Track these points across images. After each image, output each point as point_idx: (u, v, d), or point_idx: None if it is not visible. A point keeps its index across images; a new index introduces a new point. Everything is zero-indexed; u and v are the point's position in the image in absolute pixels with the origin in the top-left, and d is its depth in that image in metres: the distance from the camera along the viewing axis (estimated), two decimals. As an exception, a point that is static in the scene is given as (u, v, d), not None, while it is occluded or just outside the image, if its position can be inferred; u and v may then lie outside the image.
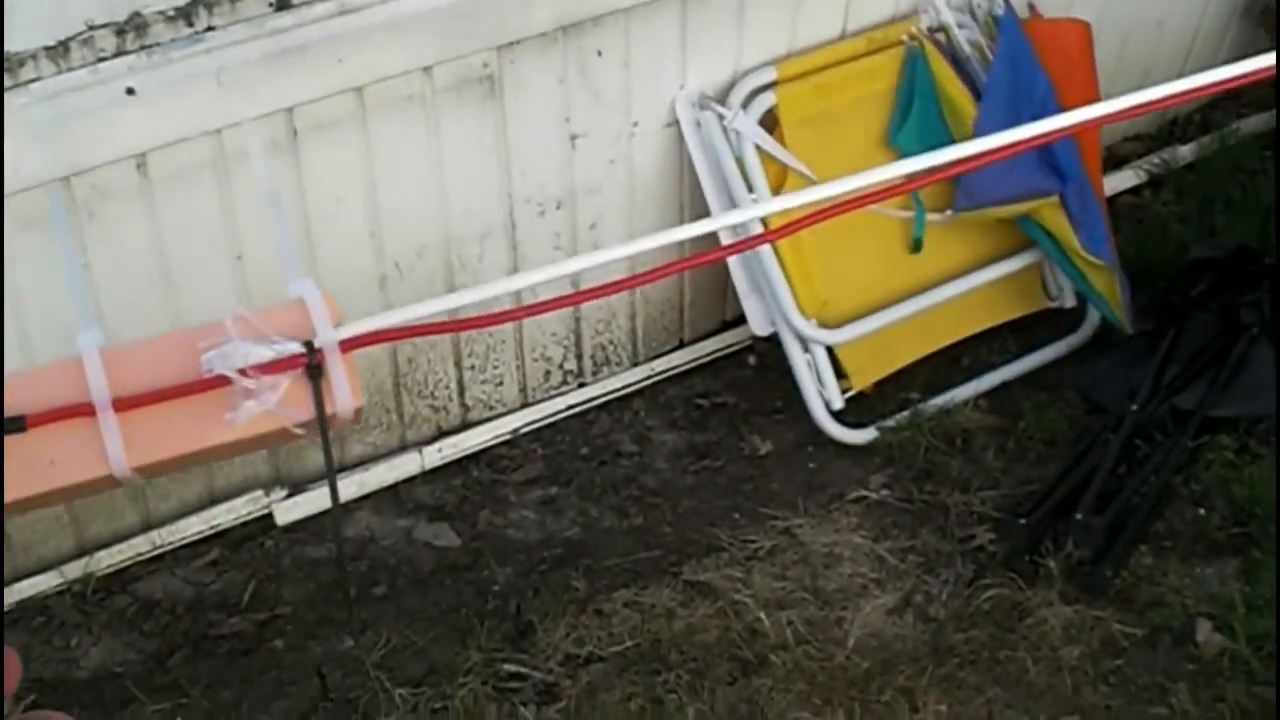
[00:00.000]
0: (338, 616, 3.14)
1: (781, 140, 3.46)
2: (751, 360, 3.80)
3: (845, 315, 3.54)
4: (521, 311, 0.98)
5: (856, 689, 2.94)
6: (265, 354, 0.70)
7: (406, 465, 3.45)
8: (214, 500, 3.32)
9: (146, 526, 3.29)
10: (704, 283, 3.73)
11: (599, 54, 3.27)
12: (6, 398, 0.66)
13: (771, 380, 3.71)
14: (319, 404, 0.72)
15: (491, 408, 3.59)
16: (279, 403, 0.70)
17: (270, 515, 3.32)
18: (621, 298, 3.62)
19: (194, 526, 3.29)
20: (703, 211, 3.50)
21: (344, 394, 0.71)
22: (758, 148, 3.43)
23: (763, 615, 3.09)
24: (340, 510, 3.33)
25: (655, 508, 3.40)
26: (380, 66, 2.99)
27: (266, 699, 2.98)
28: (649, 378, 3.72)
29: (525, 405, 3.63)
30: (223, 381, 0.69)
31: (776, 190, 3.44)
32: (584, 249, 3.48)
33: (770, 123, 3.46)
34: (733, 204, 3.44)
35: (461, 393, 3.52)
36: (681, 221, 3.58)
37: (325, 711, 2.95)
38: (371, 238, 3.18)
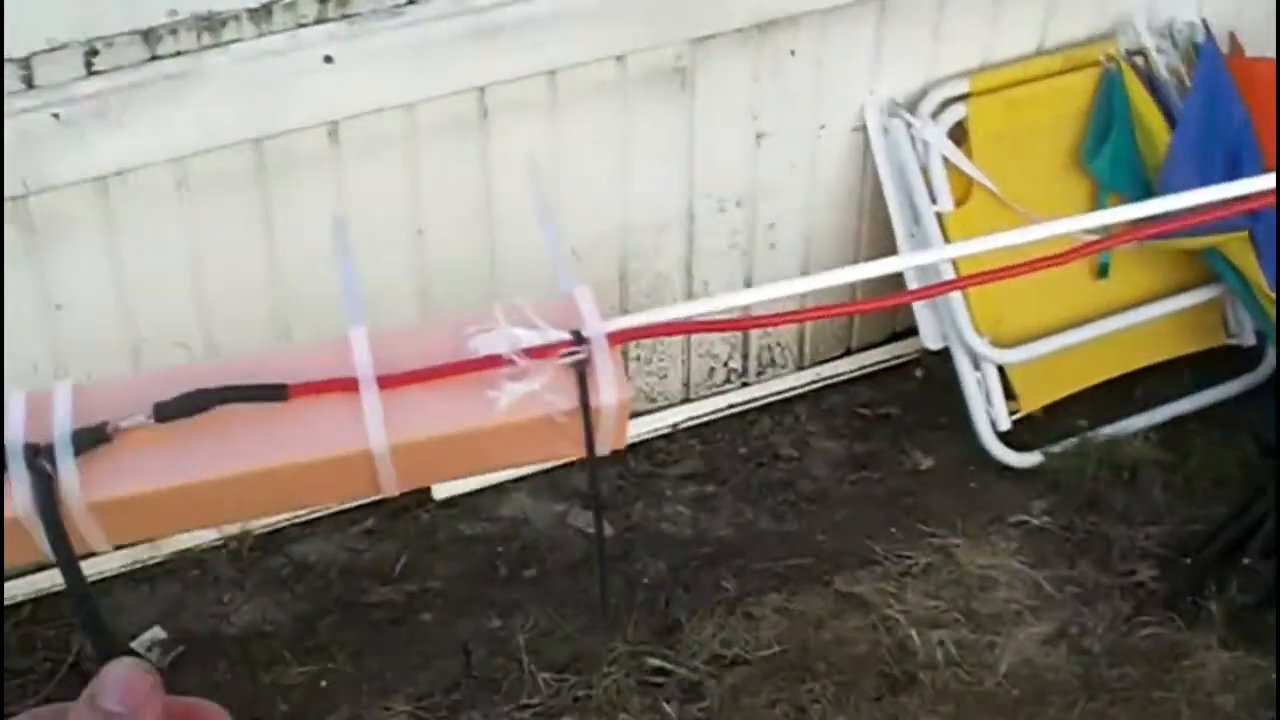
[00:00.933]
0: (487, 595, 3.16)
1: (969, 154, 3.41)
2: (918, 373, 3.75)
3: (1020, 335, 3.48)
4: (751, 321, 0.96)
5: (1004, 717, 2.90)
6: (533, 339, 0.69)
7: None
8: (374, 469, 3.34)
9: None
10: (877, 290, 3.68)
11: (792, 53, 3.24)
12: (266, 369, 0.65)
13: (938, 395, 3.66)
14: (583, 392, 0.70)
15: (653, 400, 3.58)
16: (544, 387, 0.69)
17: (428, 489, 3.34)
18: (792, 300, 3.58)
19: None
20: (882, 219, 3.46)
21: (609, 386, 0.70)
22: (944, 159, 3.38)
23: (914, 633, 3.05)
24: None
25: (811, 514, 3.38)
26: (575, 52, 2.99)
27: (411, 670, 3.00)
28: (813, 383, 3.69)
29: (687, 400, 3.62)
30: (489, 363, 0.68)
31: (960, 204, 3.39)
32: (760, 249, 3.45)
33: (959, 135, 3.41)
34: (915, 215, 3.39)
35: (625, 382, 3.52)
36: (859, 228, 3.55)
37: (468, 688, 2.97)
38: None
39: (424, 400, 0.69)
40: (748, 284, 3.49)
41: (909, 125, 3.38)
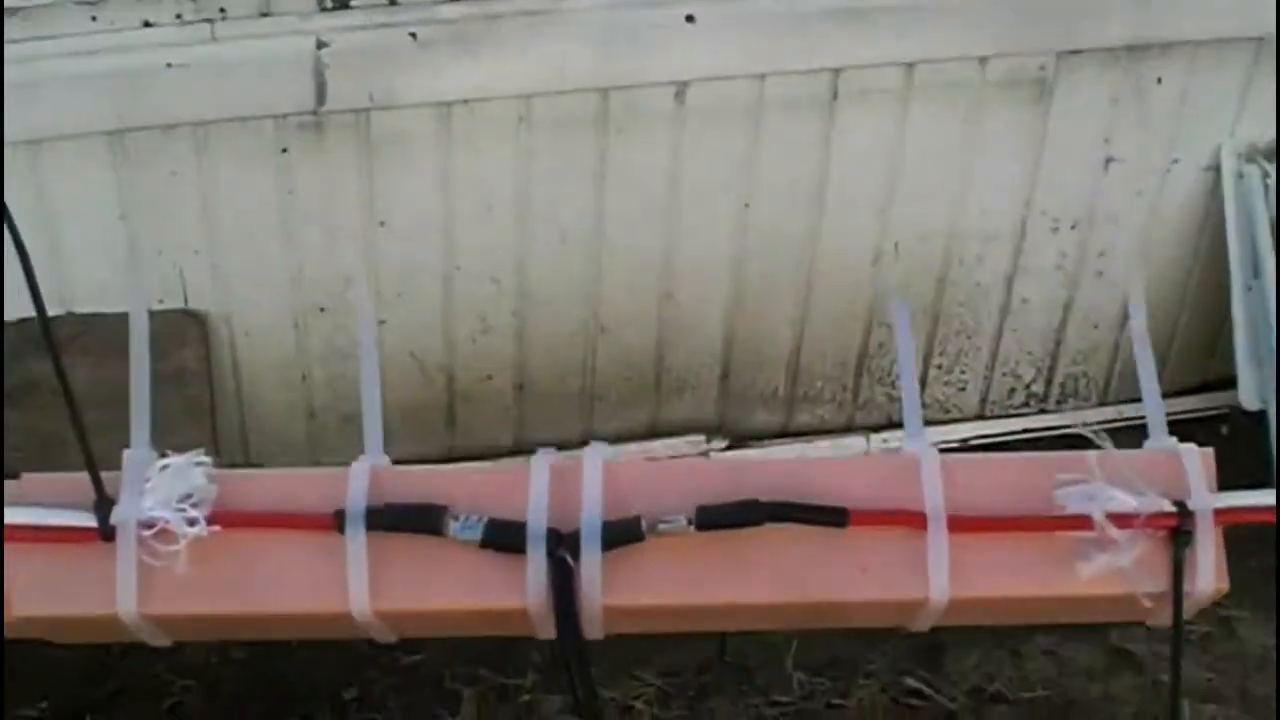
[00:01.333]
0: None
1: (1322, 212, 3.22)
2: (1224, 430, 3.57)
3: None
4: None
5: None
6: (1130, 503, 0.60)
7: (850, 447, 3.36)
8: (655, 432, 3.30)
9: (584, 440, 3.29)
10: (1197, 335, 3.51)
11: (1159, 81, 3.08)
12: (811, 481, 0.58)
13: (1240, 457, 3.42)
14: (1178, 575, 0.61)
15: (947, 410, 3.47)
16: (1133, 562, 0.60)
17: (707, 461, 3.29)
18: (1108, 334, 3.44)
19: (628, 453, 3.28)
20: (1218, 266, 3.29)
21: (1208, 572, 0.61)
22: (1298, 213, 3.20)
23: (1185, 704, 2.90)
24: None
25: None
26: (939, 47, 2.90)
27: (666, 646, 2.95)
28: (1113, 420, 3.52)
29: (980, 417, 3.50)
30: (1075, 523, 0.59)
31: (1308, 263, 3.20)
32: (1087, 276, 3.31)
33: (1316, 191, 3.22)
34: (1255, 268, 3.21)
35: (921, 388, 3.41)
36: (1192, 271, 3.38)
37: (719, 672, 2.91)
38: (880, 214, 3.09)
39: (993, 551, 0.61)
40: (1066, 309, 3.35)
41: (1265, 174, 3.20)
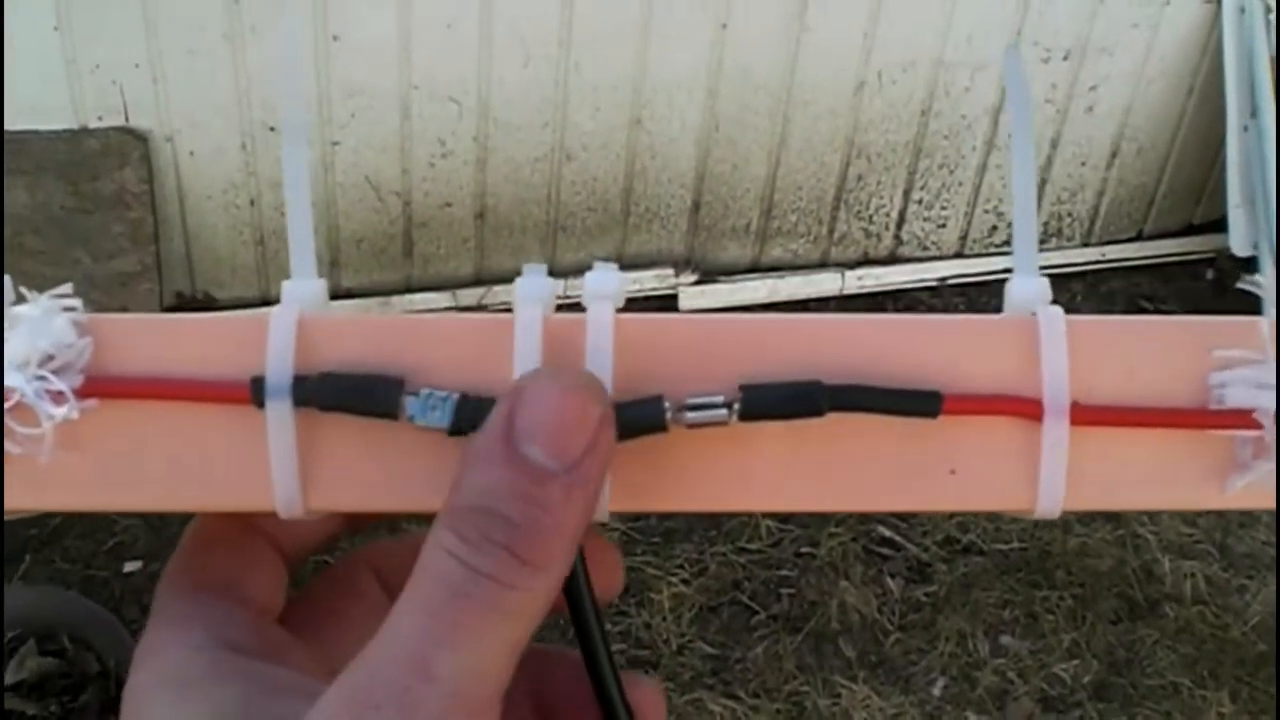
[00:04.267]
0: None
1: (1327, 53, 3.07)
2: (1210, 274, 3.46)
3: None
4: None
5: (1246, 671, 2.67)
6: None
7: (824, 284, 3.23)
8: (621, 265, 3.14)
9: (548, 273, 3.14)
10: (1188, 174, 3.38)
11: (1162, -98, 2.92)
12: (850, 345, 0.43)
13: (1226, 303, 3.35)
14: None
15: (925, 248, 3.33)
16: None
17: (675, 296, 3.14)
18: (1095, 171, 3.30)
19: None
20: (1212, 104, 3.15)
21: None
22: (1300, 52, 3.05)
23: (1163, 559, 2.82)
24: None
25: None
26: None
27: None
28: (1096, 262, 3.41)
29: (960, 255, 3.37)
30: (1240, 420, 0.44)
31: (1306, 103, 3.06)
32: (1076, 111, 3.16)
33: (1320, 30, 3.07)
34: (1253, 108, 3.07)
35: (900, 224, 3.27)
36: (1185, 109, 3.23)
37: (686, 517, 2.80)
38: (864, 38, 2.92)
39: (1123, 451, 0.47)
40: (1053, 145, 3.20)
41: (1268, 9, 3.05)
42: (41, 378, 0.45)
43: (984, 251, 3.36)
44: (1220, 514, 2.92)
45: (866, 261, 3.28)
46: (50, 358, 0.46)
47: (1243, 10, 3.07)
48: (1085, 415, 0.46)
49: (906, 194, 3.22)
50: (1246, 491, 0.46)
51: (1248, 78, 3.08)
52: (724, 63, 2.88)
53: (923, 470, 0.46)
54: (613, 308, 0.47)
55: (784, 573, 2.72)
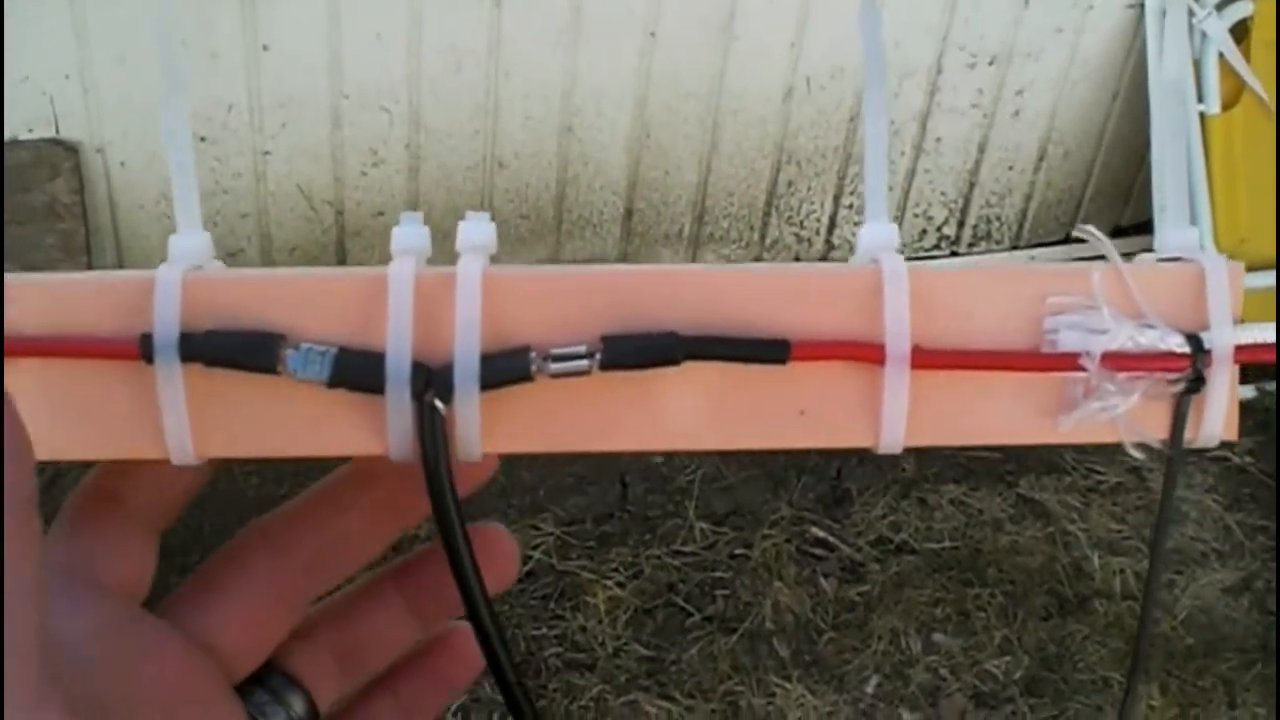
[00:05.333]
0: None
1: (1246, 57, 3.11)
2: (1137, 276, 3.49)
3: (1261, 260, 3.21)
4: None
5: (1175, 664, 2.70)
6: (1135, 340, 0.46)
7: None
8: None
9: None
10: (1114, 176, 3.42)
11: (1082, -89, 2.96)
12: (728, 302, 0.46)
13: (1153, 303, 3.40)
14: (1178, 428, 0.49)
15: (854, 251, 3.36)
16: (1127, 412, 0.48)
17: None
18: (1023, 175, 3.33)
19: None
20: (1137, 108, 3.19)
21: (1216, 421, 0.48)
22: (1221, 56, 3.09)
23: (1093, 555, 2.85)
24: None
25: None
26: None
27: (565, 492, 2.85)
28: (1025, 265, 3.45)
29: (891, 259, 3.39)
30: (1070, 363, 0.47)
31: (1227, 108, 3.10)
32: (1003, 115, 3.19)
33: (1240, 34, 3.11)
34: (1180, 108, 3.11)
35: (831, 229, 3.30)
36: (1111, 112, 3.27)
37: (621, 522, 2.82)
38: (791, 48, 2.95)
39: (959, 392, 0.49)
40: (981, 149, 3.24)
41: (1191, 14, 3.09)
42: (-67, 332, 0.47)
43: (914, 255, 3.39)
44: (1149, 511, 2.97)
45: (798, 266, 3.30)
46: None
47: (1164, 14, 3.11)
48: (925, 359, 0.48)
49: (837, 199, 3.25)
50: (1079, 428, 0.49)
51: (1171, 82, 3.12)
52: (653, 71, 2.90)
53: (774, 412, 0.48)
54: (484, 259, 0.48)
55: (718, 574, 2.74)
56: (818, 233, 3.29)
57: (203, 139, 2.77)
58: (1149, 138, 3.17)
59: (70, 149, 2.74)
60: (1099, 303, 0.48)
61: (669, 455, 2.93)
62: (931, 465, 2.99)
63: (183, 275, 0.48)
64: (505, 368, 0.46)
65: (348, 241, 2.98)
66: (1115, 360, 0.48)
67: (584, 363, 0.46)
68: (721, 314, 0.48)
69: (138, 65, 2.66)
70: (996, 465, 3.00)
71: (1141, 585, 2.81)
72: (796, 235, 3.27)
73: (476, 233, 0.49)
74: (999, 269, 0.49)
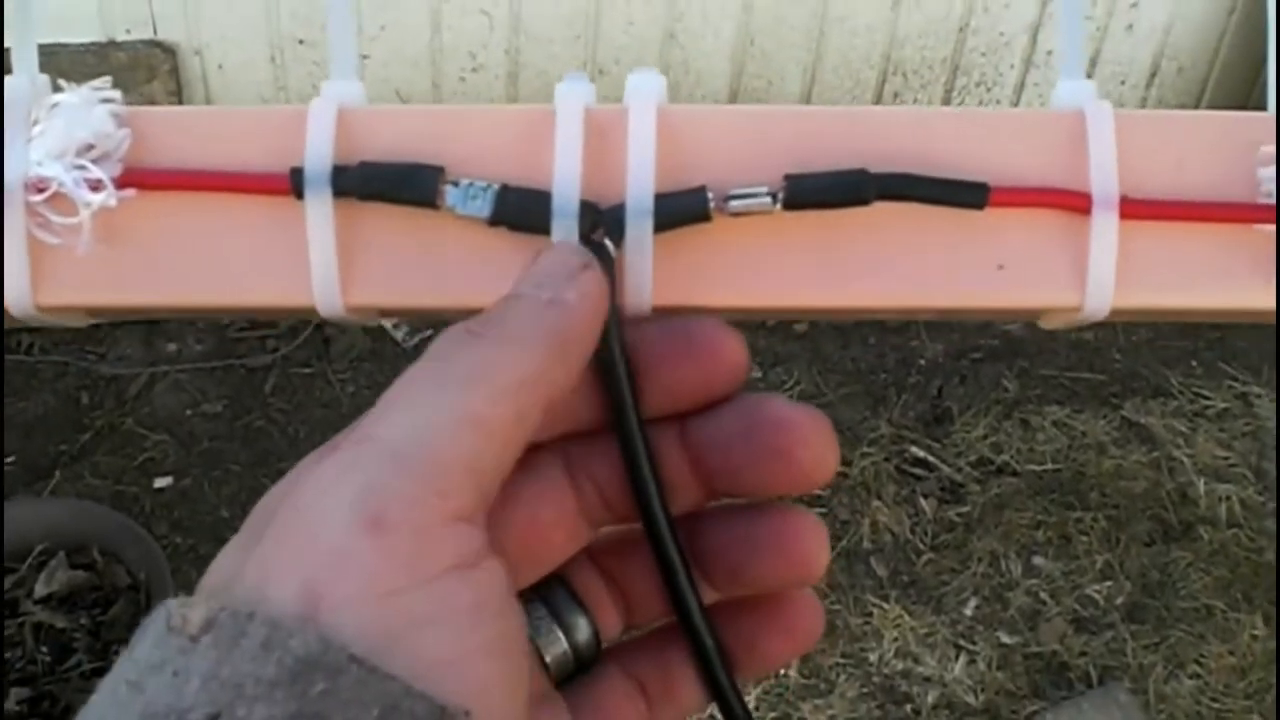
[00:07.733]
0: (752, 343, 2.94)
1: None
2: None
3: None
4: None
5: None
6: None
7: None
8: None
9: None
10: (1228, 94, 3.31)
11: None
12: (914, 141, 0.41)
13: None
14: None
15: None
16: None
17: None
18: (1135, 91, 3.24)
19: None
20: (1254, 21, 3.09)
21: None
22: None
23: (1199, 482, 2.79)
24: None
25: (1107, 325, 3.09)
26: None
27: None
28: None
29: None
30: (1259, 213, 0.43)
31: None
32: (1115, 29, 3.10)
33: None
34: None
35: (935, 145, 3.23)
36: (1226, 29, 3.17)
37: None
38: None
39: (1164, 244, 0.45)
40: (1092, 63, 3.15)
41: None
42: (80, 166, 0.43)
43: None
44: (1256, 438, 2.89)
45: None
46: (89, 147, 0.44)
47: (1288, -75, 3.01)
48: (1134, 209, 0.44)
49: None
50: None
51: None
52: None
53: (971, 265, 0.44)
54: (655, 102, 0.44)
55: (816, 493, 2.70)
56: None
57: (301, 42, 2.74)
58: (1264, 55, 3.07)
59: (168, 51, 2.72)
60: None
61: (815, 319, 2.89)
62: (1034, 386, 2.92)
63: (337, 109, 0.44)
64: (680, 206, 0.42)
65: (445, 149, 2.94)
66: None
67: (766, 200, 0.42)
68: (913, 154, 0.44)
69: (237, -35, 2.64)
70: (1101, 387, 2.94)
71: (1247, 513, 2.74)
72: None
73: (646, 83, 0.45)
74: (1207, 115, 0.45)
